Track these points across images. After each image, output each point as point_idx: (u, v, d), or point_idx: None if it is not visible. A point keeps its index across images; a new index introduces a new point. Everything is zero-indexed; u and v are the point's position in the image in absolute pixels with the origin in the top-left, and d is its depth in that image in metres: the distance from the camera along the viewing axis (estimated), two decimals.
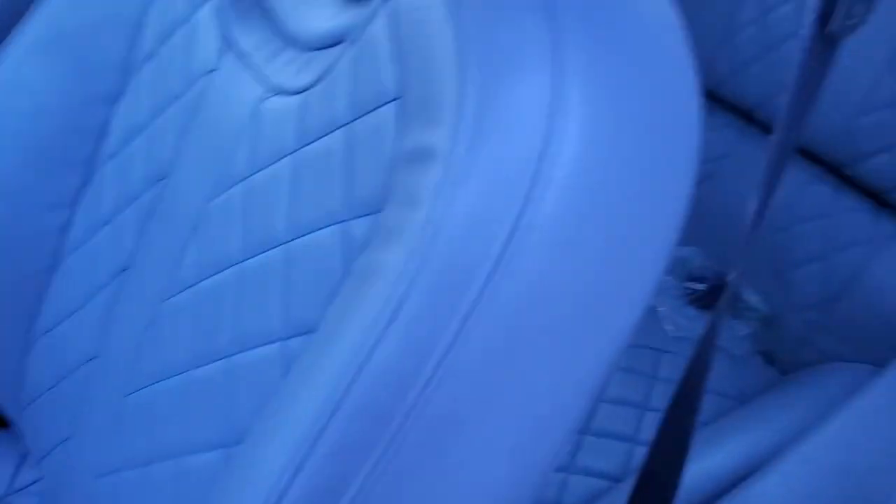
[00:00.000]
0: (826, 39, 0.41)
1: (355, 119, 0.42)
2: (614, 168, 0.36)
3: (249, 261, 0.48)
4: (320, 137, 0.44)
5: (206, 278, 0.51)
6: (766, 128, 1.06)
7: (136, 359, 0.57)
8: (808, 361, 0.96)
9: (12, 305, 0.68)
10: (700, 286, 1.03)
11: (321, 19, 0.47)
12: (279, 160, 0.47)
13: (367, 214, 0.41)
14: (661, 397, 0.91)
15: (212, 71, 0.54)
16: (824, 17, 0.40)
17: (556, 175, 0.35)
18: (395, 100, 0.40)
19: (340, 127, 0.43)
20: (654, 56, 0.37)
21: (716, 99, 1.09)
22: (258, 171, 0.49)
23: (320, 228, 0.44)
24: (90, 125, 0.64)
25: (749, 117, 1.07)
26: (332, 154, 0.43)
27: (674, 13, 0.39)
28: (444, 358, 0.36)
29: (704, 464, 0.82)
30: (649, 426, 0.88)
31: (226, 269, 0.50)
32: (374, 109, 0.41)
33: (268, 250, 0.47)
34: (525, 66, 0.35)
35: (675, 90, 0.38)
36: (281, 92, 0.48)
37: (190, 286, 0.53)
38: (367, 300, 0.37)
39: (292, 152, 0.46)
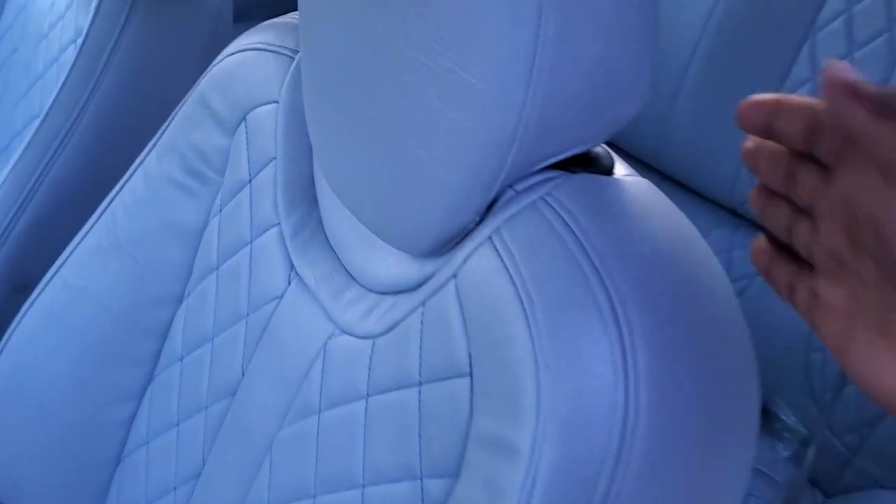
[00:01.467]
0: None
1: (428, 382, 0.45)
2: (681, 463, 0.38)
3: (326, 496, 0.50)
4: (393, 390, 0.47)
5: None
6: None
7: None
8: (852, 485, 0.97)
9: (77, 496, 0.70)
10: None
11: (386, 266, 0.50)
12: (352, 402, 0.49)
13: (444, 476, 0.43)
14: None
15: (278, 298, 0.56)
16: None
17: (630, 471, 0.37)
18: (468, 375, 0.42)
19: (413, 385, 0.45)
20: (719, 363, 0.40)
21: (738, 216, 1.11)
22: (331, 409, 0.51)
23: (398, 481, 0.46)
24: (153, 325, 0.66)
25: None
26: (406, 410, 0.46)
27: (738, 316, 0.41)
28: None
29: None
30: None
31: (301, 499, 0.52)
32: (447, 379, 0.43)
33: (345, 490, 0.49)
34: (595, 368, 0.37)
35: (734, 371, 0.40)
36: (349, 332, 0.51)
37: None
38: None
39: (365, 397, 0.49)
